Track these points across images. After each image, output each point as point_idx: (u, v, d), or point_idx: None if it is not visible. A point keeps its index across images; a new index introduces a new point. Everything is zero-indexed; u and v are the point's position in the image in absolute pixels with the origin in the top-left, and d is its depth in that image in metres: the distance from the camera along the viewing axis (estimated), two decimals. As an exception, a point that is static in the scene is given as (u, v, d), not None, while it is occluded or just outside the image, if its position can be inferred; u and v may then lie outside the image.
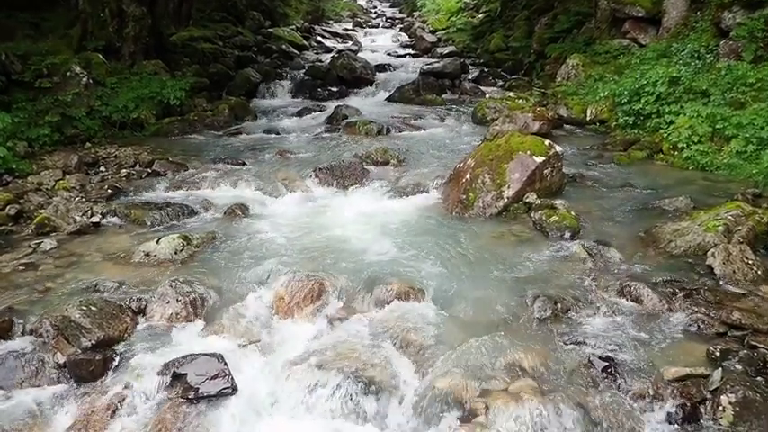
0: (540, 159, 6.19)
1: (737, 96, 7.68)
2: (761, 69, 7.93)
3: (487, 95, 12.06)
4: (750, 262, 4.56)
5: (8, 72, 8.35)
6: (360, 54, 16.18)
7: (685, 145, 7.39)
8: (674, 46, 9.67)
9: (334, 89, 13.23)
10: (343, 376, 3.55)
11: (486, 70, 14.81)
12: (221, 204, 6.31)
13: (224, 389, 3.57)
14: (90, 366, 3.74)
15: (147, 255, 5.03)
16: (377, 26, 26.47)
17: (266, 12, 19.84)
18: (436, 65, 13.39)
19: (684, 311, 4.12)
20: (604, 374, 3.53)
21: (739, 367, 3.49)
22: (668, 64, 9.07)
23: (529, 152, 6.22)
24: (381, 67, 14.93)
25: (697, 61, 8.93)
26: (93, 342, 3.89)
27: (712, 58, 8.87)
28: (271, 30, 18.73)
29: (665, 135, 7.74)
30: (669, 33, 10.47)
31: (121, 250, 5.21)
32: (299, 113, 11.08)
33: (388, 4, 34.69)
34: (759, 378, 3.42)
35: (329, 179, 7.05)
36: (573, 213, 5.64)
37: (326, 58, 15.95)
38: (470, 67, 15.01)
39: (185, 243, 5.16)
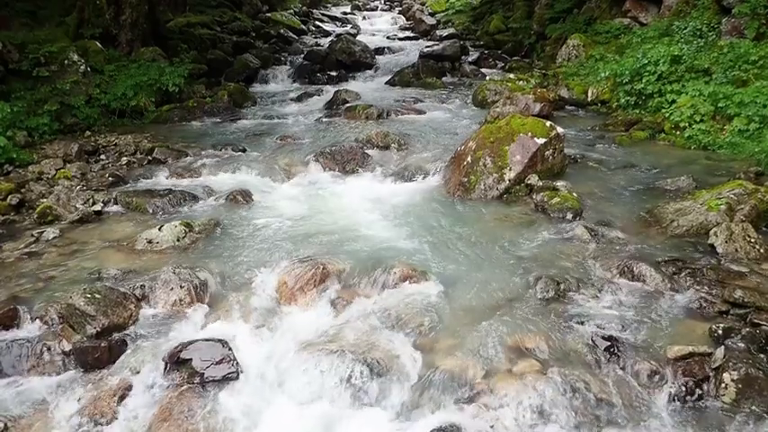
0: (541, 141, 6.16)
1: (740, 74, 7.63)
2: (763, 47, 7.87)
3: (488, 77, 11.98)
4: (753, 240, 4.55)
5: (5, 61, 8.31)
6: (359, 37, 16.07)
7: (687, 124, 7.36)
8: (676, 24, 9.59)
9: (334, 73, 13.15)
10: (347, 359, 3.57)
11: (486, 52, 14.70)
12: (223, 191, 6.31)
13: (229, 373, 3.60)
14: (95, 353, 3.76)
15: (150, 242, 5.04)
16: (375, 9, 26.25)
17: (263, -4, 19.68)
18: (436, 47, 13.27)
19: (687, 290, 4.13)
20: (607, 354, 3.55)
21: (742, 345, 3.50)
22: (670, 43, 9.01)
23: (530, 134, 6.20)
24: (380, 51, 14.83)
25: (699, 39, 8.86)
26: (99, 329, 3.92)
27: (714, 36, 8.80)
28: (268, 14, 18.59)
29: (667, 114, 7.70)
30: (670, 11, 10.38)
31: (124, 238, 5.22)
32: (299, 98, 11.03)
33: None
34: (761, 355, 3.43)
35: (330, 164, 7.03)
36: (575, 194, 5.63)
37: (325, 42, 15.84)
38: (470, 49, 14.90)
39: (187, 230, 5.17)
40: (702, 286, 4.11)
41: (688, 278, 4.22)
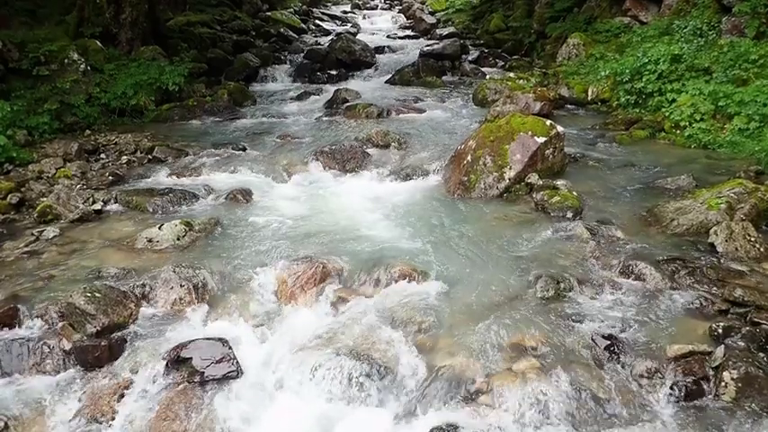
0: (541, 140, 6.16)
1: (740, 73, 7.62)
2: (763, 46, 7.87)
3: (488, 76, 11.96)
4: (753, 239, 4.55)
5: (5, 60, 8.31)
6: (359, 36, 16.06)
7: (687, 123, 7.35)
8: (676, 23, 9.59)
9: (334, 72, 13.15)
10: (347, 358, 3.58)
11: (486, 51, 14.67)
12: (223, 189, 6.30)
13: (229, 372, 3.61)
14: (96, 352, 3.77)
15: (150, 241, 5.03)
16: (375, 8, 26.20)
17: (263, -5, 19.64)
18: (436, 46, 13.25)
19: (687, 289, 4.13)
20: (607, 353, 3.55)
21: (742, 344, 3.50)
22: (670, 41, 9.00)
23: (530, 133, 6.19)
24: (380, 50, 14.81)
25: (699, 38, 8.85)
26: (99, 328, 3.92)
27: (714, 35, 8.79)
28: (268, 13, 18.56)
29: (667, 113, 7.70)
30: (671, 10, 10.37)
31: (124, 237, 5.21)
32: (299, 97, 11.03)
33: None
34: (761, 354, 3.43)
35: (330, 163, 7.03)
36: (575, 193, 5.63)
37: (325, 41, 15.83)
38: (470, 48, 14.88)
39: (188, 229, 5.17)
40: (702, 285, 4.12)
41: (688, 277, 4.22)
